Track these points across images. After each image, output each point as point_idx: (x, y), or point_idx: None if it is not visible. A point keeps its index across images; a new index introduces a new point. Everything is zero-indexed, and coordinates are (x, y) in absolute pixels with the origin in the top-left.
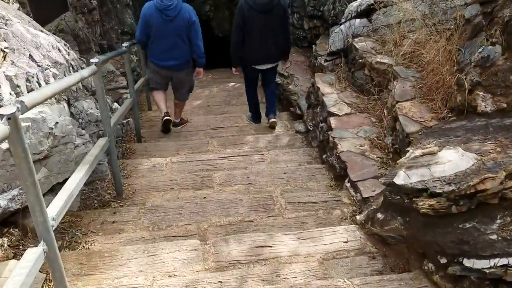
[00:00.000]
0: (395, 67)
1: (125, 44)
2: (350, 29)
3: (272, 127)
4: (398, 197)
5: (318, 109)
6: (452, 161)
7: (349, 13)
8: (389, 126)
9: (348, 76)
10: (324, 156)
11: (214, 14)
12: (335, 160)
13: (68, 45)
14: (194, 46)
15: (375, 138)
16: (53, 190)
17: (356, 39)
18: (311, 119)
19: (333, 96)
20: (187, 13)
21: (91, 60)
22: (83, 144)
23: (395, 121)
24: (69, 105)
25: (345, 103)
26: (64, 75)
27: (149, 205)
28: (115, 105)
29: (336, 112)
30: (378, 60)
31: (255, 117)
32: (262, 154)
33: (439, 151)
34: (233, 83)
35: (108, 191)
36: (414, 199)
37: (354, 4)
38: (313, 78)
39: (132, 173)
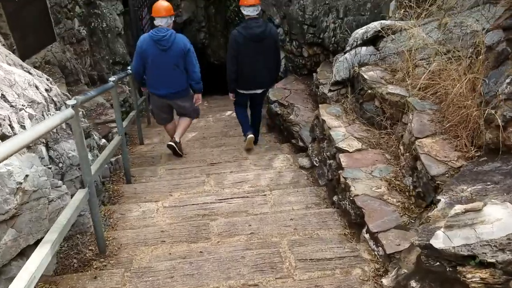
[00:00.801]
0: (409, 99)
1: (112, 79)
2: (356, 58)
3: (249, 144)
4: (438, 263)
5: (325, 144)
6: (501, 219)
7: (354, 41)
8: (408, 165)
9: (356, 108)
10: (335, 198)
11: (209, 41)
12: (349, 205)
13: (50, 79)
14: (190, 73)
15: (393, 179)
16: (24, 253)
17: (363, 68)
18: (316, 153)
19: (341, 130)
20: (182, 42)
21: (67, 102)
22: (59, 198)
23: (416, 160)
24: (48, 148)
25: (355, 137)
26: (42, 115)
27: (136, 266)
28: (103, 141)
29: (346, 148)
30: (390, 91)
31: (245, 131)
32: (265, 195)
33: (484, 207)
34: (229, 112)
35: (90, 247)
36: (459, 268)
37: (360, 31)
38: (317, 109)
39: (119, 222)
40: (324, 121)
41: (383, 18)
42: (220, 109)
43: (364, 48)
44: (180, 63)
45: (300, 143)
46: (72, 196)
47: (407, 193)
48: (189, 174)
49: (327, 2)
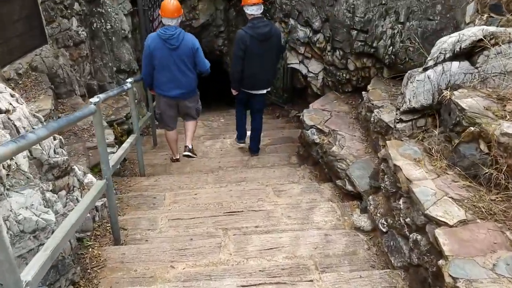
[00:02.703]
0: None
1: (129, 80)
2: (444, 77)
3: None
4: None
5: (401, 202)
6: None
7: (440, 53)
8: None
9: (446, 150)
10: None
11: (228, 48)
12: None
13: (16, 95)
14: (200, 65)
15: None
16: None
17: (456, 93)
18: (383, 213)
19: (427, 184)
20: (190, 41)
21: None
22: None
23: None
24: None
25: (453, 199)
26: None
27: None
28: (89, 178)
29: (443, 219)
30: (506, 130)
31: (240, 136)
32: (311, 280)
33: None
34: (249, 133)
35: None
36: None
37: (448, 40)
38: (385, 148)
39: None
40: (398, 168)
41: (458, 24)
42: None
43: (455, 63)
44: (189, 62)
45: (349, 187)
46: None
47: None
48: (200, 229)
49: (383, 1)
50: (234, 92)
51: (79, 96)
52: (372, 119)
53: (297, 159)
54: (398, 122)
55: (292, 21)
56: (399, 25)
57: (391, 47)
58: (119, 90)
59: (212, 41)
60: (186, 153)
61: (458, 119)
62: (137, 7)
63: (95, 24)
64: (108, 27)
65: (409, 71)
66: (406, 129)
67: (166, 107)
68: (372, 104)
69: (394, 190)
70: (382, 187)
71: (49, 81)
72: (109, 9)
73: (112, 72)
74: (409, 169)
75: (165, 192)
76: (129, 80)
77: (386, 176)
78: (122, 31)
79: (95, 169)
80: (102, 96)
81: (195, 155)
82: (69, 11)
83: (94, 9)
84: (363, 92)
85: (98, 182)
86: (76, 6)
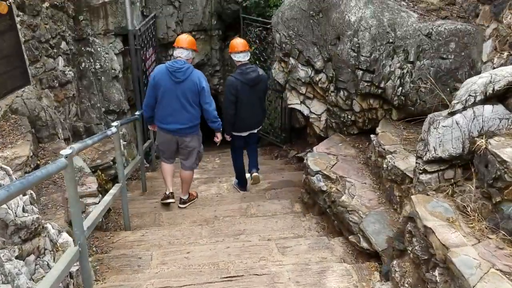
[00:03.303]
0: None
1: (115, 124)
2: (476, 123)
3: (255, 181)
4: None
5: (436, 273)
6: None
7: (470, 95)
8: None
9: (485, 209)
10: None
11: (223, 87)
12: None
13: None
14: (204, 111)
15: None
16: None
17: (492, 141)
18: (413, 284)
19: (468, 251)
20: (197, 77)
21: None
22: None
23: None
24: None
25: (501, 271)
26: None
27: None
28: (64, 237)
29: None
30: None
31: (242, 183)
32: None
33: None
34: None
35: None
36: None
37: (479, 80)
38: (410, 204)
39: None
40: (430, 230)
41: (474, 63)
42: None
43: (487, 107)
44: (192, 98)
45: (364, 244)
46: None
47: None
48: None
49: (391, 40)
50: (228, 138)
51: (62, 140)
52: (384, 165)
53: (301, 207)
54: (421, 173)
55: (292, 61)
56: (409, 65)
57: (400, 88)
58: (100, 136)
59: (208, 80)
60: (181, 205)
61: (498, 172)
62: (129, 46)
63: (83, 64)
64: (98, 66)
65: (430, 115)
66: (432, 182)
67: (165, 141)
68: (384, 149)
69: (426, 257)
70: (409, 251)
71: (29, 124)
72: (98, 48)
73: (100, 113)
74: (443, 232)
75: (152, 250)
76: (115, 124)
77: (414, 239)
78: (112, 71)
79: None
80: (76, 146)
81: (194, 199)
82: (55, 50)
83: (83, 48)
84: (371, 136)
85: (69, 249)
86: (63, 45)
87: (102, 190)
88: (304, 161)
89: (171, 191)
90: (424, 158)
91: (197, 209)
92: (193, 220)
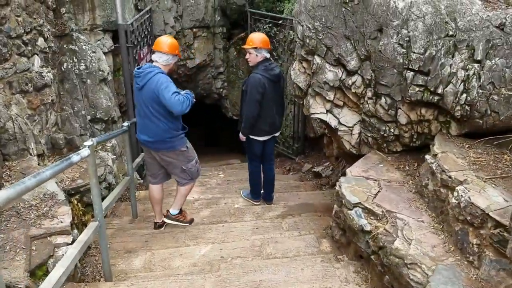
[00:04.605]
0: None
1: (125, 124)
2: None
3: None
4: None
5: None
6: None
7: None
8: None
9: None
10: None
11: (228, 91)
12: None
13: None
14: (168, 107)
15: None
16: None
17: None
18: None
19: None
20: (155, 82)
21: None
22: None
23: None
24: None
25: None
26: None
27: None
28: None
29: None
30: None
31: (257, 195)
32: None
33: None
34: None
35: None
36: None
37: None
38: None
39: None
40: None
41: None
42: (244, 186)
43: None
44: (154, 107)
45: None
46: None
47: None
48: None
49: (451, 33)
50: (242, 138)
51: (35, 156)
52: (454, 200)
53: (331, 245)
54: None
55: (317, 60)
56: (476, 64)
57: (464, 95)
58: (62, 165)
59: (210, 83)
60: (165, 220)
61: None
62: (119, 44)
63: (65, 64)
64: (82, 67)
65: None
66: None
67: (146, 153)
68: (450, 177)
69: None
70: None
71: None
72: (84, 46)
73: (85, 122)
74: None
75: None
76: (88, 143)
77: None
78: (100, 72)
79: (39, 272)
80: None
81: (185, 223)
82: (29, 48)
83: (65, 46)
84: (426, 157)
85: None
86: (41, 42)
87: (79, 224)
88: (337, 188)
89: (160, 221)
90: None
91: (199, 246)
92: (193, 263)
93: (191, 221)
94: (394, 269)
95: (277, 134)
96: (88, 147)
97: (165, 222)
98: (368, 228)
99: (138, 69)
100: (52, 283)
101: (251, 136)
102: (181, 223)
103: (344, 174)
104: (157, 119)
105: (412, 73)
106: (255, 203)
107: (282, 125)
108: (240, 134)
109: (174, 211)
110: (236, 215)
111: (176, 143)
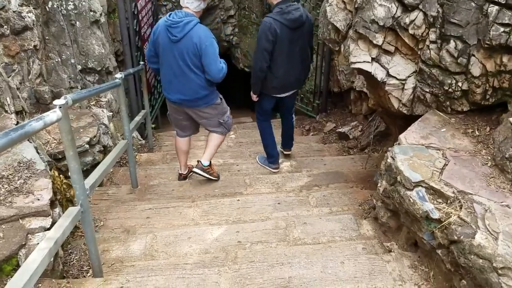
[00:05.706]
0: None
1: (118, 75)
2: None
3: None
4: None
5: None
6: None
7: None
8: None
9: None
10: None
11: (239, 38)
12: None
13: None
14: (207, 69)
15: None
16: None
17: None
18: None
19: None
20: (197, 35)
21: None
22: None
23: None
24: None
25: None
26: None
27: None
28: None
29: None
30: None
31: (274, 159)
32: None
33: None
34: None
35: None
36: None
37: None
38: None
39: None
40: None
41: None
42: (258, 149)
43: None
44: (192, 61)
45: None
46: None
47: None
48: None
49: None
50: (254, 98)
51: (12, 113)
52: None
53: (373, 227)
54: None
55: None
56: None
57: None
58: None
59: (219, 28)
60: (195, 169)
61: None
62: None
63: (50, 3)
64: (71, 7)
65: None
66: None
67: (173, 111)
68: None
69: None
70: None
71: None
72: None
73: (75, 73)
74: None
75: None
76: (59, 101)
77: None
78: (91, 13)
79: (6, 267)
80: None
81: (214, 177)
82: None
83: None
84: (503, 117)
85: None
86: None
87: (63, 200)
88: (388, 160)
89: (185, 173)
90: None
91: (210, 225)
92: (205, 249)
93: (218, 177)
94: (477, 274)
95: (292, 92)
96: (59, 107)
97: (190, 172)
98: (436, 215)
99: (170, 16)
100: (24, 280)
101: (262, 91)
102: (210, 176)
103: (376, 136)
104: (195, 75)
105: (496, 7)
106: (274, 170)
107: (304, 80)
108: (251, 93)
109: (206, 162)
110: (253, 185)
111: (212, 97)
